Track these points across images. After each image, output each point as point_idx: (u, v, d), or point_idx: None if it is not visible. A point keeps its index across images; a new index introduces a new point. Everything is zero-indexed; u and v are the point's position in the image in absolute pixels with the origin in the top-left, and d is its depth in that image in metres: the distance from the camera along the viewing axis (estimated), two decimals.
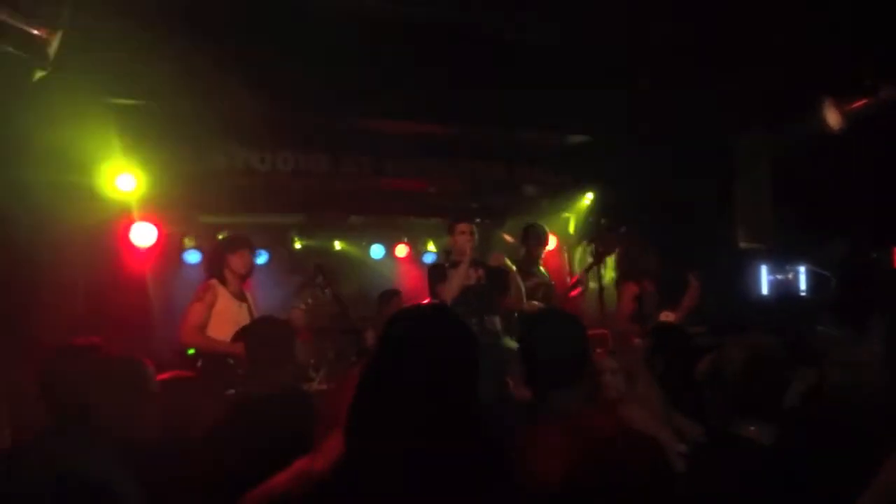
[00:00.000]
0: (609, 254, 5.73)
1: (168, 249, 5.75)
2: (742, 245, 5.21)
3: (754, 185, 5.23)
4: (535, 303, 5.05)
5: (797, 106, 4.37)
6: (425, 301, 4.51)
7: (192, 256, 6.15)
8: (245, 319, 4.29)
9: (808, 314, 3.80)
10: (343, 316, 5.24)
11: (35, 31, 2.80)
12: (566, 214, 6.84)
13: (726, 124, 5.06)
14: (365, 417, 1.37)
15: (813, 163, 4.62)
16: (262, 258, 6.29)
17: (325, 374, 5.18)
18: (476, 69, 4.55)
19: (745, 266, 5.00)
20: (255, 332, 2.91)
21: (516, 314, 4.69)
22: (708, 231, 5.23)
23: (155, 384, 2.24)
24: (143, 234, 5.13)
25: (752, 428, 1.95)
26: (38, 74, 2.96)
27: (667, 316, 4.43)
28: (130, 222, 5.04)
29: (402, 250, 7.51)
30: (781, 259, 4.77)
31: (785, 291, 4.58)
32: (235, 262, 4.45)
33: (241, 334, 3.68)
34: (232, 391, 3.47)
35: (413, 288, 6.72)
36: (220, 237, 5.41)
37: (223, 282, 4.43)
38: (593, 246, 6.04)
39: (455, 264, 4.48)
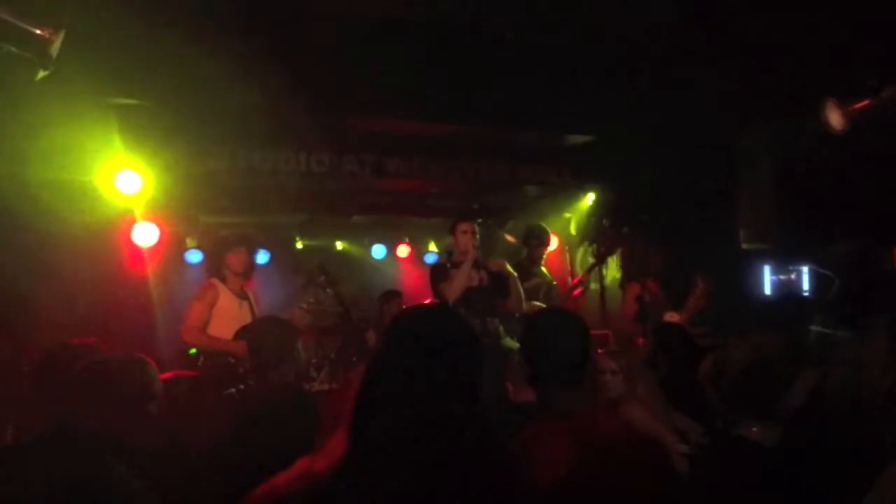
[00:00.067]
0: (610, 254, 5.74)
1: (170, 249, 5.77)
2: (744, 246, 5.20)
3: (756, 186, 5.22)
4: (537, 303, 5.05)
5: (799, 106, 4.36)
6: (427, 301, 4.52)
7: (194, 256, 6.17)
8: (246, 318, 4.30)
9: (810, 314, 3.79)
10: (345, 316, 5.25)
11: (38, 31, 2.80)
12: (567, 215, 6.83)
13: (727, 124, 5.06)
14: (367, 417, 1.37)
15: (815, 162, 4.61)
16: (263, 258, 6.30)
17: (326, 374, 5.19)
18: (476, 69, 4.56)
19: (748, 266, 4.99)
20: (258, 332, 2.91)
21: (517, 315, 4.69)
22: (709, 231, 5.23)
23: (159, 384, 2.24)
24: (145, 234, 5.14)
25: (755, 428, 1.95)
26: (41, 74, 2.95)
27: (672, 316, 4.44)
28: (132, 222, 5.05)
29: (403, 250, 7.53)
30: (784, 259, 4.76)
31: (787, 291, 4.57)
32: (233, 260, 4.46)
33: (243, 333, 3.68)
34: (233, 390, 3.48)
35: (414, 288, 6.73)
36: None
37: (223, 280, 4.44)
38: (595, 246, 6.06)
39: (456, 264, 4.48)
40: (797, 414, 1.97)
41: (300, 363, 2.87)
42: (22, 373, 2.65)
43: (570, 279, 6.50)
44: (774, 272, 4.73)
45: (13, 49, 2.79)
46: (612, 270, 5.99)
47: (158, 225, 5.23)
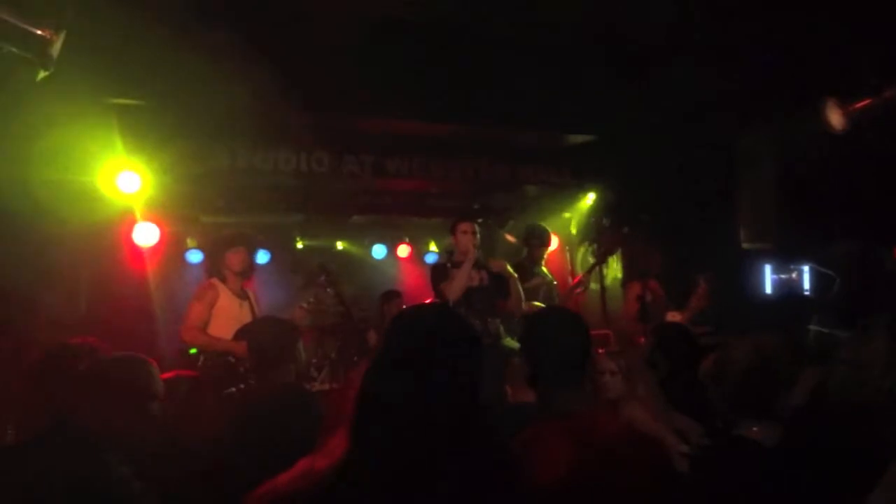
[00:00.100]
0: (611, 254, 5.74)
1: (170, 249, 5.77)
2: (745, 245, 5.20)
3: (756, 185, 5.22)
4: (537, 303, 5.05)
5: (799, 106, 4.37)
6: (428, 301, 4.52)
7: (195, 256, 6.17)
8: (246, 317, 4.30)
9: (811, 313, 3.80)
10: (346, 315, 5.25)
11: (38, 32, 2.80)
12: (567, 215, 6.83)
13: (727, 124, 5.06)
14: (368, 417, 1.37)
15: (815, 162, 4.61)
16: (263, 258, 6.30)
17: (327, 374, 5.18)
18: (476, 69, 4.56)
19: (748, 265, 5.00)
20: (258, 332, 2.91)
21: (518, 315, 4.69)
22: (710, 231, 5.23)
23: (160, 384, 2.24)
24: (146, 234, 5.14)
25: (756, 428, 1.95)
26: (41, 75, 2.95)
27: (673, 316, 4.44)
28: (133, 222, 5.05)
29: (403, 250, 7.52)
30: (784, 258, 4.77)
31: (788, 291, 4.57)
32: (233, 260, 4.46)
33: (243, 333, 3.68)
34: (233, 390, 3.48)
35: (415, 288, 6.73)
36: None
37: (223, 280, 4.44)
38: (595, 246, 6.06)
39: (457, 264, 4.48)
40: (797, 414, 1.96)
41: (300, 363, 2.87)
42: (22, 372, 2.65)
43: (570, 279, 6.50)
44: (775, 272, 4.73)
45: (14, 49, 2.78)
46: (613, 270, 5.99)
47: (158, 225, 5.23)
